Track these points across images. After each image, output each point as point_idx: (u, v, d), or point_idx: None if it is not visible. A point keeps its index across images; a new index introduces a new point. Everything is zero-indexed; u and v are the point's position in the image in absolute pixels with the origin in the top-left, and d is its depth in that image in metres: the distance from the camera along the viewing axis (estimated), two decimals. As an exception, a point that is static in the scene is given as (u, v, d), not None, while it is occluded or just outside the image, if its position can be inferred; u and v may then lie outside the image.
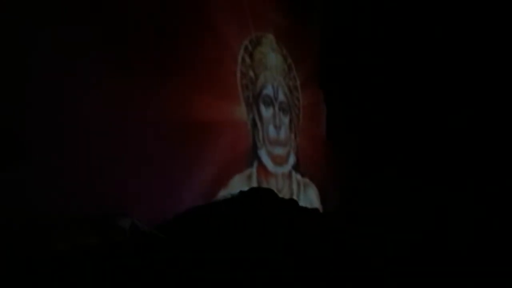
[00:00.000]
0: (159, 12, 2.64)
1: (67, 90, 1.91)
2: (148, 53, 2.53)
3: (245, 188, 2.78)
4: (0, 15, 1.67)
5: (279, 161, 3.72)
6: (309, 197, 4.04)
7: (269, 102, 3.67)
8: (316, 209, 3.30)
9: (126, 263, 1.53)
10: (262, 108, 3.59)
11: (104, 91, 2.15)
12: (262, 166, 3.49)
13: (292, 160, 3.90)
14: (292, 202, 2.31)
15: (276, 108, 3.75)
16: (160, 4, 2.66)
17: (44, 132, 1.74)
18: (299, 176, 3.94)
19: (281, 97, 3.83)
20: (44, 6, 1.86)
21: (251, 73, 3.52)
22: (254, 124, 3.49)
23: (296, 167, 3.91)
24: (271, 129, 3.67)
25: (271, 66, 3.77)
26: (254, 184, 3.32)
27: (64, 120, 1.85)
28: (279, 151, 3.73)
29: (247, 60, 3.49)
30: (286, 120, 3.87)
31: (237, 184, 3.08)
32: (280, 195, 2.87)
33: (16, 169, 1.57)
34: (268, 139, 3.62)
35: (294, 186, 3.86)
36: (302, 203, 3.28)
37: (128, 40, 2.39)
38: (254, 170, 3.41)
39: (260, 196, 2.18)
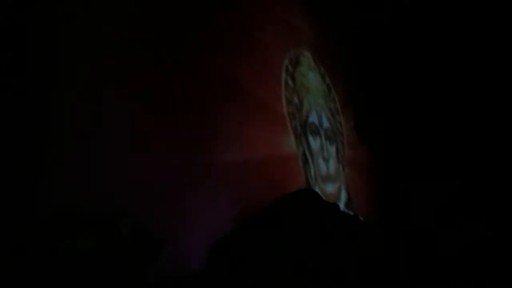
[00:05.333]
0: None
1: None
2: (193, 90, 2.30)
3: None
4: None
5: (332, 200, 3.38)
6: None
7: (315, 131, 3.36)
8: (356, 215, 3.34)
9: (127, 263, 1.65)
10: (311, 139, 3.29)
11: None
12: (317, 208, 3.20)
13: (343, 197, 3.62)
14: (335, 206, 2.41)
15: (323, 137, 3.45)
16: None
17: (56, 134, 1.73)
18: (352, 215, 3.65)
19: (325, 123, 3.54)
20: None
21: (296, 99, 3.21)
22: (305, 158, 3.18)
23: (348, 205, 3.63)
24: (321, 162, 3.37)
25: (312, 88, 3.48)
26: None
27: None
28: (330, 188, 3.42)
29: (290, 83, 3.18)
30: (332, 149, 3.57)
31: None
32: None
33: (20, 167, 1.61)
34: (320, 175, 3.31)
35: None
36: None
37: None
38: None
39: (306, 197, 2.32)
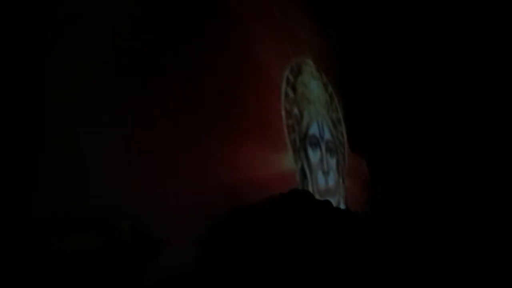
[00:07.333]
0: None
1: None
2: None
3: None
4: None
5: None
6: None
7: (316, 144, 3.39)
8: (347, 209, 3.52)
9: (127, 263, 1.70)
10: (310, 152, 3.31)
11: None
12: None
13: (342, 210, 3.63)
14: (327, 203, 2.48)
15: (323, 150, 3.47)
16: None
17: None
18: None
19: (327, 135, 3.57)
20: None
21: (296, 110, 3.23)
22: (303, 174, 3.19)
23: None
24: (320, 176, 3.39)
25: (314, 98, 3.50)
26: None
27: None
28: (329, 202, 3.45)
29: (291, 94, 3.20)
30: (333, 162, 3.60)
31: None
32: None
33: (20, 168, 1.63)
34: (318, 189, 3.33)
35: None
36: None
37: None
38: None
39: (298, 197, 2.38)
